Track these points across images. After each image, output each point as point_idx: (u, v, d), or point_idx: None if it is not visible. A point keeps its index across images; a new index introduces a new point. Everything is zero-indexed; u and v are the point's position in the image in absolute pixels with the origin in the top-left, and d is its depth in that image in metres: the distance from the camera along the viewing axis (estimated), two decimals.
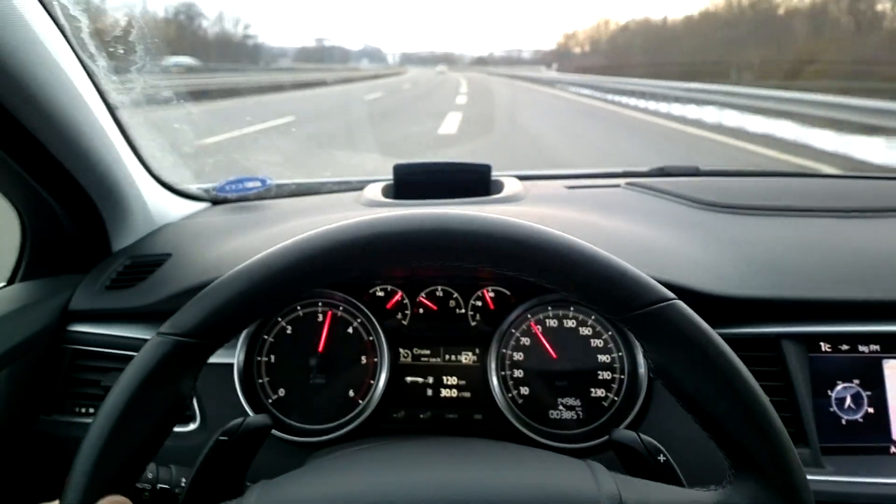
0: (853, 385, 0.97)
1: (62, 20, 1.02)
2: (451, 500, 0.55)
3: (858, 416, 0.96)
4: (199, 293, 0.60)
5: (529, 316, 1.05)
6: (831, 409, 0.96)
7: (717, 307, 0.96)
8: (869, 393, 0.96)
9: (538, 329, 1.04)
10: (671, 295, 0.60)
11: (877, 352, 0.97)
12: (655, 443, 0.69)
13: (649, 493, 0.57)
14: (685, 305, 0.59)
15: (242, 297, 0.60)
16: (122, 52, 1.20)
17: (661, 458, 0.68)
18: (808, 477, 0.56)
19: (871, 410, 0.96)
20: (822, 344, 0.98)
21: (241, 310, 0.60)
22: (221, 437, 0.68)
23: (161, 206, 1.35)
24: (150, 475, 0.78)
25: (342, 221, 0.63)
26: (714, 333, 0.59)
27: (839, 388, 0.97)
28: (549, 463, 0.63)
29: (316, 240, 0.61)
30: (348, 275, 0.62)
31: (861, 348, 0.98)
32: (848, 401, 0.96)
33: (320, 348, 1.05)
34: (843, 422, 0.96)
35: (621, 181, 1.45)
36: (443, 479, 0.58)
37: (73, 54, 1.05)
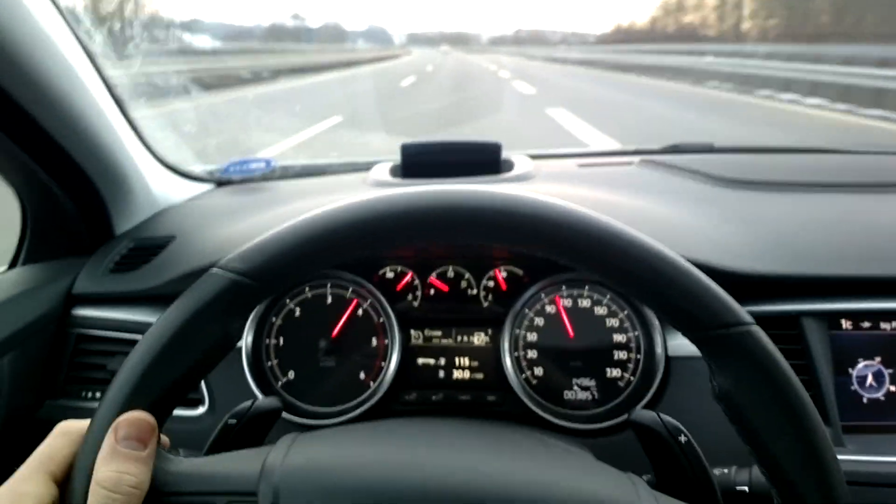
0: (874, 363, 0.94)
1: None
2: (484, 491, 0.53)
3: (880, 395, 0.94)
4: (259, 238, 0.60)
5: (543, 296, 1.03)
6: (853, 388, 0.94)
7: (737, 285, 0.94)
8: (891, 371, 0.94)
9: (552, 309, 1.02)
10: (749, 319, 0.57)
11: None
12: (676, 423, 0.67)
13: None
14: (762, 332, 0.56)
15: (303, 246, 0.58)
16: (118, 28, 1.17)
17: (683, 438, 0.66)
18: None
19: (893, 388, 0.94)
20: (842, 321, 0.96)
21: (299, 259, 0.59)
22: (230, 421, 0.67)
23: (164, 188, 1.32)
24: (168, 442, 0.77)
25: (415, 188, 0.61)
26: (787, 366, 0.56)
27: (860, 365, 0.94)
28: (590, 468, 0.61)
29: (383, 202, 0.59)
30: (407, 244, 0.61)
31: (883, 325, 0.95)
32: (869, 379, 0.94)
33: (330, 331, 1.04)
34: (865, 400, 0.94)
35: (634, 158, 1.43)
36: (477, 465, 0.56)
37: (69, 32, 1.02)
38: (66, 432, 0.56)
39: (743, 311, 0.57)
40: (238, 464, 0.56)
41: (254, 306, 0.61)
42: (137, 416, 0.53)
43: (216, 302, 0.57)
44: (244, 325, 0.61)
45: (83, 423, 0.55)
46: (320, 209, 0.60)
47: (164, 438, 0.59)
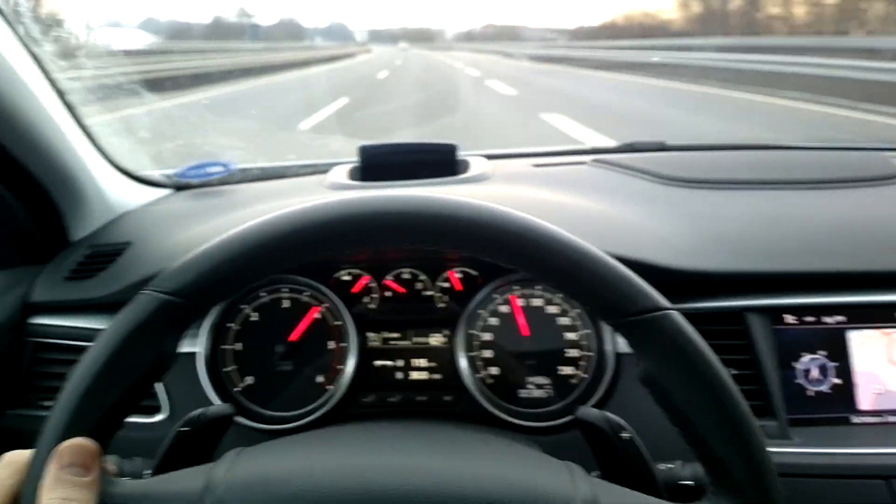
0: (819, 356, 0.97)
1: (1, 4, 0.98)
2: (424, 487, 0.54)
3: (825, 388, 0.96)
4: (191, 254, 0.60)
5: (496, 296, 1.04)
6: (797, 381, 0.96)
7: (680, 281, 0.96)
8: (835, 364, 0.97)
9: (506, 309, 1.04)
10: (666, 304, 0.59)
11: (841, 322, 0.98)
12: (620, 421, 0.68)
13: (626, 499, 0.56)
14: (680, 315, 0.58)
15: (233, 262, 0.59)
16: (67, 35, 1.16)
17: (626, 435, 0.67)
18: (775, 449, 0.56)
19: (837, 381, 0.96)
20: (786, 316, 0.98)
21: (230, 275, 0.59)
22: (183, 428, 0.67)
23: (120, 194, 1.31)
24: (113, 467, 0.77)
25: (345, 196, 0.61)
26: (706, 347, 0.58)
27: (805, 359, 0.97)
28: (527, 459, 0.63)
29: (315, 211, 0.60)
30: (340, 251, 0.62)
31: (826, 320, 0.98)
32: (814, 372, 0.97)
33: (287, 335, 1.04)
34: (810, 393, 0.96)
35: (587, 158, 1.45)
36: (418, 464, 0.58)
37: (14, 37, 1.01)
38: (11, 462, 0.56)
39: (660, 297, 0.59)
40: (182, 482, 0.56)
41: (188, 325, 0.61)
42: (79, 442, 0.53)
43: (148, 323, 0.57)
44: (178, 343, 0.61)
45: (28, 453, 0.56)
46: (251, 222, 0.60)
47: (110, 463, 0.59)
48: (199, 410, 0.68)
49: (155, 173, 1.47)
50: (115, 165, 1.33)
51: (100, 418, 0.56)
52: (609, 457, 0.68)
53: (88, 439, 0.54)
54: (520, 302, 1.03)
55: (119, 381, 0.56)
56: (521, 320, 1.03)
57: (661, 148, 1.53)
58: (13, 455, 0.57)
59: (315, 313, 1.05)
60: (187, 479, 0.56)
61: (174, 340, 0.60)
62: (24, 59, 1.02)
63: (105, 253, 1.14)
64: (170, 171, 1.48)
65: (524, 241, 0.59)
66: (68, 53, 1.16)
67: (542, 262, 0.60)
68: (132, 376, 0.57)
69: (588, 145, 1.59)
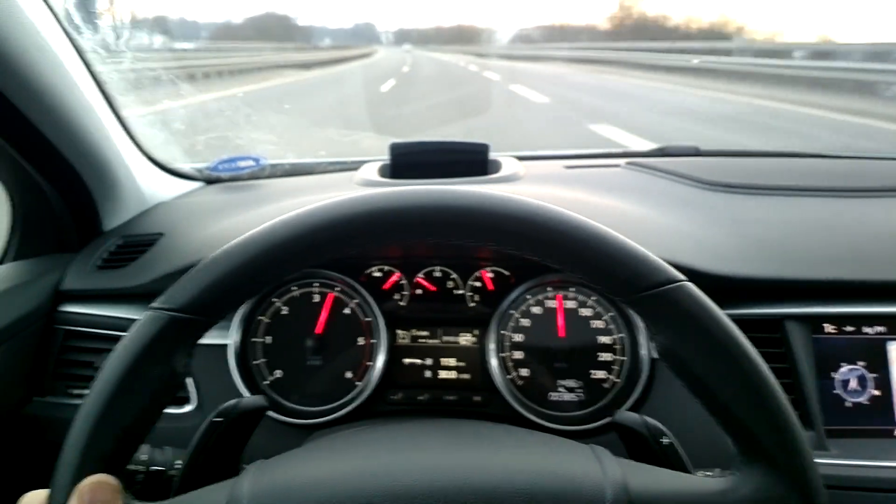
0: (858, 367, 0.95)
1: None
2: (450, 482, 0.53)
3: (863, 399, 0.95)
4: (195, 268, 0.58)
5: (529, 297, 1.03)
6: (835, 392, 0.95)
7: (719, 287, 0.94)
8: (874, 375, 0.95)
9: (538, 310, 1.03)
10: (680, 276, 0.58)
11: (882, 333, 0.96)
12: (659, 425, 0.67)
13: (656, 479, 0.55)
14: (694, 287, 0.57)
15: (239, 272, 0.57)
16: (109, 24, 1.17)
17: (665, 440, 0.66)
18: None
19: (876, 393, 0.95)
20: (825, 325, 0.96)
21: (237, 285, 0.58)
22: (216, 419, 0.67)
23: (153, 186, 1.32)
24: (144, 457, 0.77)
25: (342, 196, 0.61)
26: (724, 316, 0.57)
27: (843, 369, 0.95)
28: (552, 446, 0.62)
29: (316, 214, 0.59)
30: (347, 252, 0.60)
31: (866, 330, 0.96)
32: (853, 383, 0.95)
33: (317, 329, 1.04)
34: (848, 404, 0.94)
35: (621, 161, 1.43)
36: (441, 461, 0.56)
37: (59, 28, 1.02)
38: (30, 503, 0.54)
39: (671, 269, 0.58)
40: (204, 501, 0.55)
41: (197, 339, 0.59)
42: (99, 479, 0.52)
43: (156, 343, 0.56)
44: (190, 359, 0.60)
45: (45, 494, 0.54)
46: (253, 230, 0.59)
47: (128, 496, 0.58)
48: (233, 401, 0.68)
49: (187, 166, 1.48)
50: (149, 157, 1.34)
51: (114, 447, 0.54)
52: (647, 462, 0.67)
53: (106, 476, 0.52)
54: (552, 303, 1.02)
55: (131, 405, 0.55)
56: (554, 322, 1.02)
57: (695, 153, 1.51)
58: (32, 496, 0.55)
59: (341, 306, 1.04)
60: (209, 496, 0.55)
61: (185, 357, 0.59)
62: (66, 48, 1.03)
63: (137, 243, 1.15)
64: (201, 165, 1.49)
65: (529, 224, 0.58)
66: (110, 45, 1.17)
67: (550, 245, 0.59)
68: (144, 399, 0.56)
69: (619, 149, 1.56)
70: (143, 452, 0.76)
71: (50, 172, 1.07)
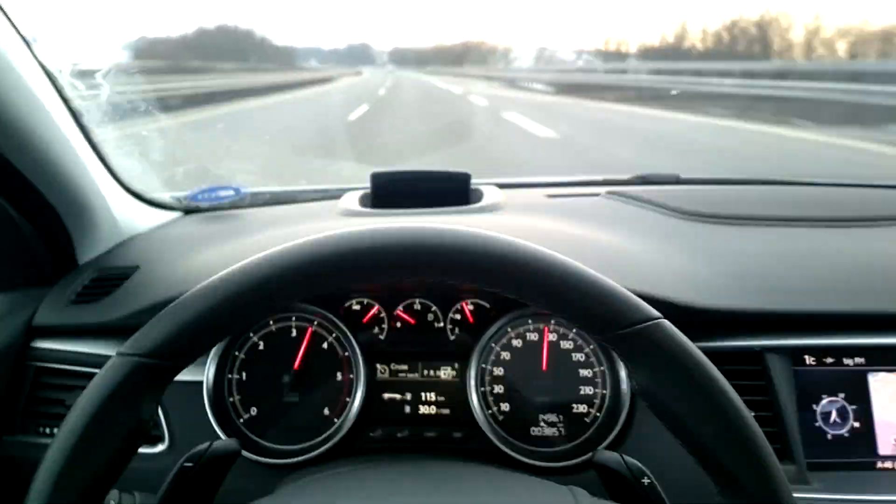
0: (838, 399, 0.95)
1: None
2: None
3: (844, 431, 0.94)
4: (162, 311, 0.57)
5: (510, 329, 1.02)
6: (817, 424, 0.94)
7: (699, 320, 0.94)
8: (854, 407, 0.95)
9: (518, 343, 1.02)
10: (657, 314, 0.58)
11: (862, 365, 0.96)
12: (639, 465, 0.67)
13: None
14: (671, 325, 0.57)
15: (207, 315, 0.57)
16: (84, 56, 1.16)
17: (646, 480, 0.65)
18: (795, 495, 0.55)
19: (856, 425, 0.94)
20: (806, 357, 0.96)
21: (205, 329, 0.57)
22: (186, 464, 0.65)
23: (130, 216, 1.30)
24: (112, 503, 0.75)
25: (314, 235, 0.60)
26: (701, 355, 0.57)
27: (824, 402, 0.95)
28: (530, 489, 0.61)
29: (288, 254, 0.58)
30: (320, 291, 0.60)
31: (846, 361, 0.96)
32: (833, 415, 0.95)
33: (294, 365, 1.02)
34: (829, 437, 0.94)
35: (602, 189, 1.44)
36: None
37: (32, 59, 1.01)
38: None
39: (648, 307, 0.58)
40: None
41: (165, 385, 0.58)
42: None
43: (123, 389, 0.55)
44: (157, 406, 0.59)
45: None
46: (222, 272, 0.58)
47: None
48: (204, 445, 0.66)
49: (165, 196, 1.47)
50: (125, 187, 1.32)
51: (81, 495, 0.53)
52: (626, 501, 0.66)
53: None
54: (533, 336, 1.01)
55: (97, 453, 0.54)
56: (535, 355, 1.01)
57: (676, 181, 1.52)
58: None
59: (318, 341, 1.03)
60: None
61: (152, 404, 0.58)
62: (38, 77, 1.02)
63: (112, 276, 1.13)
64: (180, 194, 1.48)
65: (507, 263, 0.58)
66: (85, 74, 1.16)
67: (528, 284, 0.59)
68: (111, 446, 0.55)
69: (600, 176, 1.57)
70: (113, 497, 0.74)
71: (23, 205, 1.06)
